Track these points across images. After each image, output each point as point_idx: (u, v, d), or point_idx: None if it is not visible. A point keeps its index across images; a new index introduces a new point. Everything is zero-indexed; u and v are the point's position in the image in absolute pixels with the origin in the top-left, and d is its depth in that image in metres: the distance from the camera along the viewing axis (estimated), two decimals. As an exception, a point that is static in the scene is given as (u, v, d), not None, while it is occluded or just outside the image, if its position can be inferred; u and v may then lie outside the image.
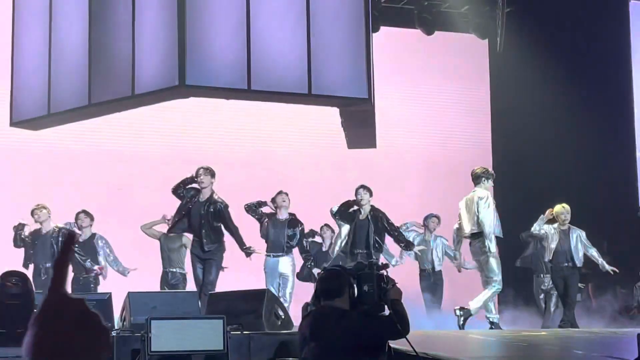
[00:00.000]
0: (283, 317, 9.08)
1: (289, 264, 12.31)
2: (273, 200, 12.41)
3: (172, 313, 8.23)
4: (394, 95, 16.19)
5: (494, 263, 11.36)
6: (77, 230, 12.19)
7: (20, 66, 12.51)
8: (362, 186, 12.07)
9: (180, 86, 10.92)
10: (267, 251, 12.23)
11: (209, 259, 11.41)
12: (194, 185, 11.64)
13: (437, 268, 13.48)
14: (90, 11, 11.67)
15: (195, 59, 10.90)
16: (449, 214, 12.65)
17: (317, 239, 13.56)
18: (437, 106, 16.67)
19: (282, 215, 12.31)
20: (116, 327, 8.74)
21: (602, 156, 14.40)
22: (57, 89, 11.95)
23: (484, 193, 11.43)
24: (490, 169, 11.89)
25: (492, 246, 11.34)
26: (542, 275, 13.64)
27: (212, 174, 11.62)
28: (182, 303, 8.87)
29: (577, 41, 15.01)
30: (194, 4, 10.98)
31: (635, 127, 14.74)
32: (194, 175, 11.62)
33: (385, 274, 5.58)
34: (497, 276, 11.34)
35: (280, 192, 12.43)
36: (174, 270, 12.59)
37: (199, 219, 11.46)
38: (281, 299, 10.80)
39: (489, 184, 11.60)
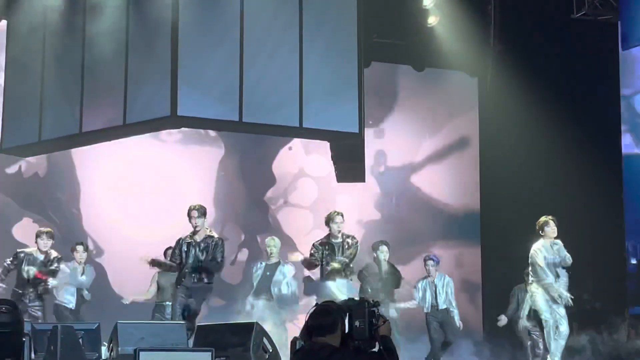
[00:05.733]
0: (271, 350, 9.05)
1: None
2: None
3: (160, 344, 8.20)
4: (382, 130, 16.26)
5: None
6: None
7: (12, 92, 12.50)
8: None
9: (172, 116, 10.93)
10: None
11: None
12: None
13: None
14: (84, 39, 11.68)
15: (188, 90, 10.91)
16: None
17: None
18: (425, 142, 16.71)
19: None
20: (103, 358, 8.70)
21: (590, 197, 14.45)
22: (49, 116, 11.94)
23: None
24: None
25: None
26: None
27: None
28: (170, 334, 8.83)
29: (567, 82, 15.08)
30: (188, 35, 11.00)
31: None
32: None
33: (376, 310, 5.56)
34: None
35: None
36: None
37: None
38: None
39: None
